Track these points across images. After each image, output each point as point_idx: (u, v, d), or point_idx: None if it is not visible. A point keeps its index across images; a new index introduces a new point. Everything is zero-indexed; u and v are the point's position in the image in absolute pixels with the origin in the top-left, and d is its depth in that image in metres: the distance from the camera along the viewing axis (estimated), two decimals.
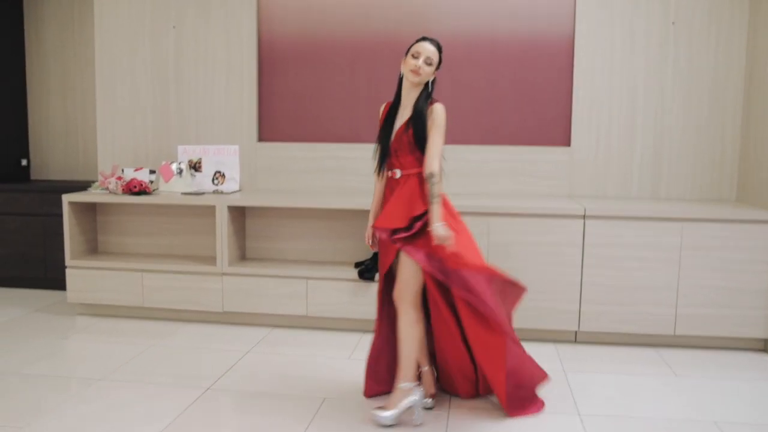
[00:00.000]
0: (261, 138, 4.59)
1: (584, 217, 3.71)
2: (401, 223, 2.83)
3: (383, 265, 2.97)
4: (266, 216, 4.34)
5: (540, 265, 3.76)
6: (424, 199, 2.80)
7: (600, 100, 4.23)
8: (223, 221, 4.03)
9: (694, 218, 3.65)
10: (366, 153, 4.19)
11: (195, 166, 4.52)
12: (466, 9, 4.31)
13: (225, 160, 4.52)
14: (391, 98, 3.01)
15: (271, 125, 4.58)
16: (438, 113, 2.85)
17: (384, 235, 2.85)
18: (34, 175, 5.45)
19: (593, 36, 4.20)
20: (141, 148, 4.68)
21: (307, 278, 3.98)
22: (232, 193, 4.40)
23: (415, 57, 2.85)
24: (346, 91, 4.47)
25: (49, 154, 5.42)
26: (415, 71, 2.82)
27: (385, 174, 2.97)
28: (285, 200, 4.05)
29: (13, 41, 5.24)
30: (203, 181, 4.51)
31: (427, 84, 2.90)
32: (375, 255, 3.89)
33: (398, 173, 2.90)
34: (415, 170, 2.87)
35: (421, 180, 2.85)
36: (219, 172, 4.52)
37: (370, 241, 3.09)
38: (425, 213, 2.79)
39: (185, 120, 4.61)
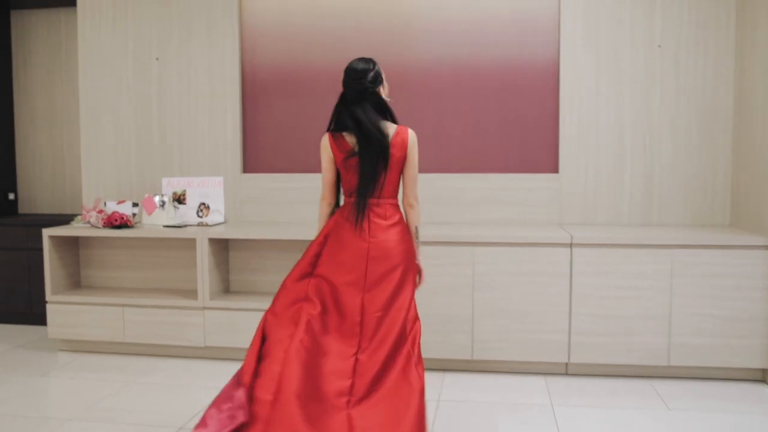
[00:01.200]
0: (246, 169, 4.54)
1: (571, 245, 3.61)
2: None
3: None
4: (250, 248, 4.26)
5: (527, 295, 3.66)
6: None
7: (587, 125, 4.15)
8: (204, 254, 3.96)
9: (685, 244, 3.54)
10: None
11: (179, 198, 4.46)
12: (449, 36, 4.27)
13: (209, 191, 4.46)
14: None
15: (256, 156, 4.53)
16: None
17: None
18: (22, 208, 5.40)
19: (578, 61, 4.14)
20: (125, 181, 4.63)
21: None
22: (217, 225, 4.33)
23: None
24: (329, 120, 4.40)
25: (36, 188, 5.38)
26: None
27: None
28: (268, 232, 3.98)
29: (0, 74, 5.23)
30: (187, 213, 4.44)
31: None
32: None
33: None
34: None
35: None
36: (203, 203, 4.46)
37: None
38: None
39: (169, 151, 4.57)
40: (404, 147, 2.75)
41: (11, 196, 5.32)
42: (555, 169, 4.22)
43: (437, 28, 4.28)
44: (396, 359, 2.55)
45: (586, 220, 4.18)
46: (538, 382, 3.63)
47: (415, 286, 2.77)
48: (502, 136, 4.26)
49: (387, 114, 2.81)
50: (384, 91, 2.84)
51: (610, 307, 3.60)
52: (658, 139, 4.11)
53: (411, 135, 2.78)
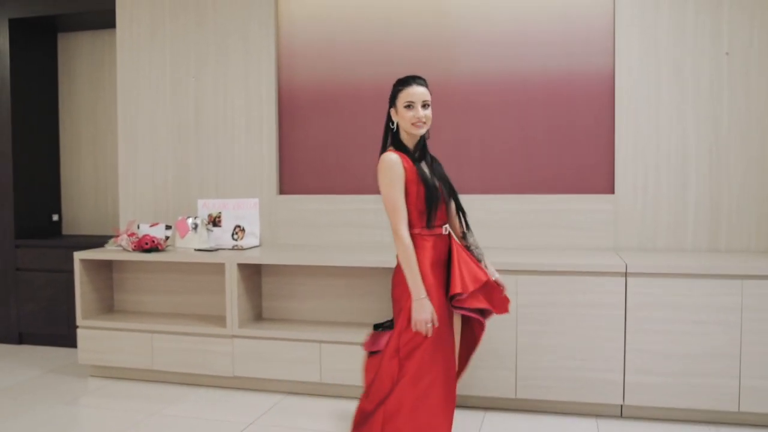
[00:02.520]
0: (282, 190, 4.37)
1: (626, 273, 3.26)
2: (474, 285, 2.64)
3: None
4: (283, 273, 4.07)
5: (577, 329, 3.32)
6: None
7: (646, 141, 3.80)
8: (233, 280, 3.78)
9: (757, 275, 3.14)
10: None
11: (215, 221, 4.33)
12: (495, 47, 4.00)
13: (245, 214, 4.30)
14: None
15: (292, 177, 4.35)
16: None
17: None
18: (66, 230, 5.39)
19: (635, 72, 3.80)
20: (162, 202, 4.53)
21: (321, 342, 3.66)
22: (251, 248, 4.16)
23: (410, 107, 2.61)
24: (369, 140, 4.19)
25: (80, 209, 5.36)
26: (418, 124, 2.62)
27: (438, 231, 2.70)
28: (301, 257, 3.77)
29: (47, 100, 5.26)
30: (222, 236, 4.30)
31: None
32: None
33: (445, 230, 2.73)
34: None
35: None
36: (239, 226, 4.31)
37: (435, 323, 2.57)
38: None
39: (205, 173, 4.45)
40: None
41: (55, 217, 5.31)
42: (610, 189, 3.88)
43: (483, 40, 4.02)
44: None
45: (644, 246, 3.81)
46: (588, 425, 3.28)
47: (403, 323, 2.59)
48: (552, 154, 3.95)
49: (386, 139, 2.75)
50: (395, 115, 2.68)
51: (670, 344, 3.22)
52: (726, 156, 3.71)
53: (379, 163, 2.67)
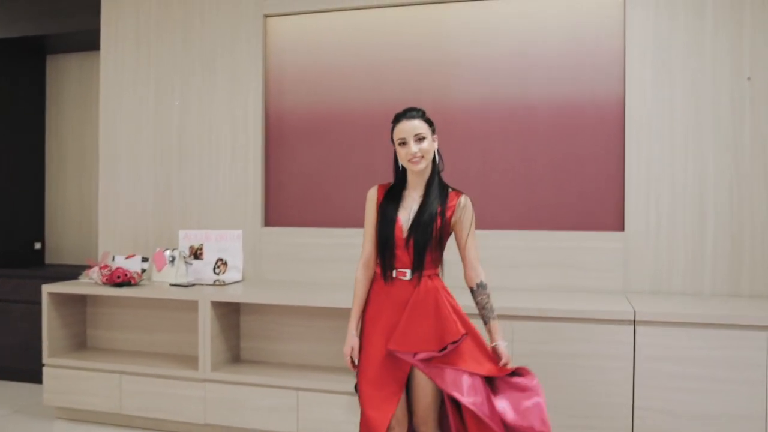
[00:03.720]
0: (267, 222, 4.09)
1: (634, 321, 2.91)
2: (434, 346, 2.38)
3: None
4: (264, 312, 3.76)
5: (579, 383, 2.96)
6: (458, 315, 2.44)
7: (659, 174, 3.46)
8: (206, 319, 3.48)
9: None
10: None
11: (196, 253, 4.06)
12: (496, 73, 3.71)
13: (228, 246, 4.03)
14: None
15: (278, 208, 4.07)
16: (470, 208, 2.51)
17: (410, 359, 2.41)
18: (49, 259, 5.16)
19: (647, 98, 3.48)
20: (141, 233, 4.27)
21: (298, 389, 3.34)
22: (233, 283, 3.88)
23: (403, 143, 2.44)
24: (360, 169, 3.92)
25: (64, 238, 5.13)
26: (414, 160, 2.44)
27: (389, 273, 2.48)
28: (283, 296, 3.47)
29: (34, 123, 5.08)
30: (204, 269, 4.02)
31: (435, 159, 2.50)
32: None
33: (409, 274, 2.45)
34: (433, 272, 2.49)
35: (442, 286, 2.48)
36: (221, 259, 4.03)
37: (355, 359, 2.56)
38: (463, 337, 2.38)
39: (187, 202, 4.19)
40: None
41: (37, 246, 5.08)
42: (620, 226, 3.54)
43: (483, 65, 3.73)
44: None
45: (657, 289, 3.46)
46: None
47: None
48: (557, 187, 3.63)
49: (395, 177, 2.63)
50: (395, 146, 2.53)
51: (685, 403, 2.85)
52: (749, 191, 3.37)
53: None
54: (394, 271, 2.46)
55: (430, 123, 2.50)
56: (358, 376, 2.52)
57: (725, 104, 3.39)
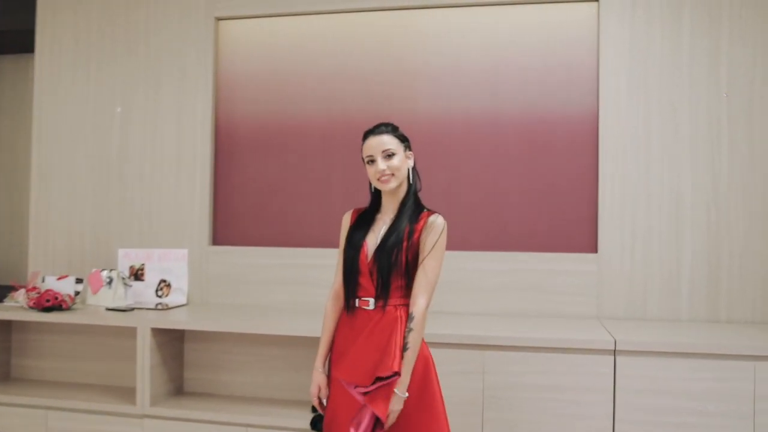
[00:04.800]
0: (215, 241, 3.77)
1: (615, 351, 2.69)
2: (368, 381, 2.11)
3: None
4: (210, 340, 3.44)
5: (555, 417, 2.73)
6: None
7: (635, 193, 3.29)
8: (145, 348, 3.14)
9: None
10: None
11: (137, 274, 3.71)
12: (464, 84, 3.50)
13: (172, 266, 3.70)
14: (366, 199, 2.38)
15: (228, 225, 3.76)
16: (438, 229, 2.20)
17: (351, 390, 2.16)
18: None
19: (622, 114, 3.31)
20: (76, 252, 3.90)
21: (248, 426, 3.02)
22: (177, 307, 3.54)
23: (372, 161, 2.22)
24: (317, 185, 3.65)
25: None
26: (383, 179, 2.23)
27: (352, 303, 2.26)
28: (231, 322, 3.15)
29: None
30: (145, 291, 3.69)
31: (409, 177, 2.28)
32: None
33: (372, 303, 2.22)
34: (401, 302, 2.22)
35: (403, 317, 2.19)
36: (164, 281, 3.70)
37: (323, 399, 2.33)
38: (393, 375, 2.09)
39: (128, 218, 3.84)
40: None
41: None
42: (593, 248, 3.35)
43: (450, 76, 3.52)
44: None
45: (632, 314, 3.27)
46: None
47: None
48: (527, 206, 3.42)
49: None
50: None
51: None
52: (726, 211, 3.22)
53: None
54: (357, 300, 2.24)
55: (402, 139, 2.29)
56: (325, 419, 2.27)
57: (702, 121, 3.24)
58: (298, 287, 3.59)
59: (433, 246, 2.17)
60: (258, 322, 3.12)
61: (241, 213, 3.74)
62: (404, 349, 2.10)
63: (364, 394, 2.11)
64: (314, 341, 3.15)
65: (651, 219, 3.27)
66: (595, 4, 3.38)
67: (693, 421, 2.62)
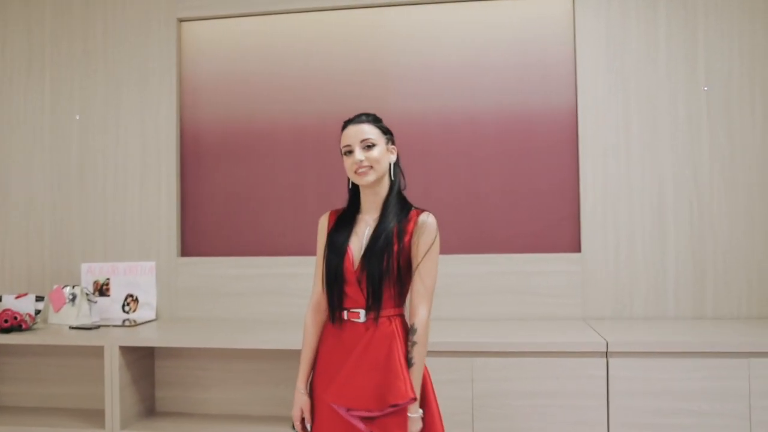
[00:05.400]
0: (183, 252, 3.60)
1: (607, 353, 2.61)
2: (374, 406, 1.91)
3: None
4: (182, 356, 3.27)
5: (548, 424, 2.63)
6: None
7: (617, 190, 3.23)
8: (114, 367, 2.96)
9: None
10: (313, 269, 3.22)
11: (102, 289, 3.53)
12: (439, 83, 3.40)
13: (138, 280, 3.53)
14: (344, 199, 2.19)
15: (196, 236, 3.59)
16: (431, 229, 2.06)
17: (344, 413, 1.96)
18: None
19: (600, 110, 3.25)
20: (36, 268, 3.69)
21: None
22: (146, 323, 3.37)
23: (350, 152, 2.04)
24: (289, 190, 3.51)
25: None
26: (360, 171, 2.04)
27: (339, 315, 2.06)
28: (204, 337, 2.98)
29: None
30: (111, 307, 3.51)
31: (390, 173, 2.10)
32: None
33: (362, 315, 2.03)
34: (394, 312, 2.04)
35: (402, 332, 2.02)
36: (131, 295, 3.52)
37: (307, 424, 2.11)
38: (409, 402, 1.91)
39: (91, 231, 3.65)
40: None
41: None
42: (576, 247, 3.27)
43: (424, 75, 3.41)
44: None
45: (619, 314, 3.20)
46: None
47: None
48: (507, 206, 3.33)
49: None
50: None
51: None
52: (709, 206, 3.17)
53: None
54: (345, 312, 2.05)
55: (384, 130, 2.12)
56: None
57: (682, 116, 3.20)
58: (274, 298, 3.44)
59: (429, 249, 2.02)
60: (232, 336, 2.96)
61: (210, 222, 3.57)
62: (409, 364, 1.95)
63: (366, 419, 1.94)
64: (295, 354, 3.03)
65: (634, 216, 3.21)
66: None
67: (689, 422, 2.55)
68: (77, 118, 3.67)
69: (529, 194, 3.32)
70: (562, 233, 3.29)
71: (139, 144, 3.61)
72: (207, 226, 3.58)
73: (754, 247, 3.13)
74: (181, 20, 3.61)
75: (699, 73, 3.19)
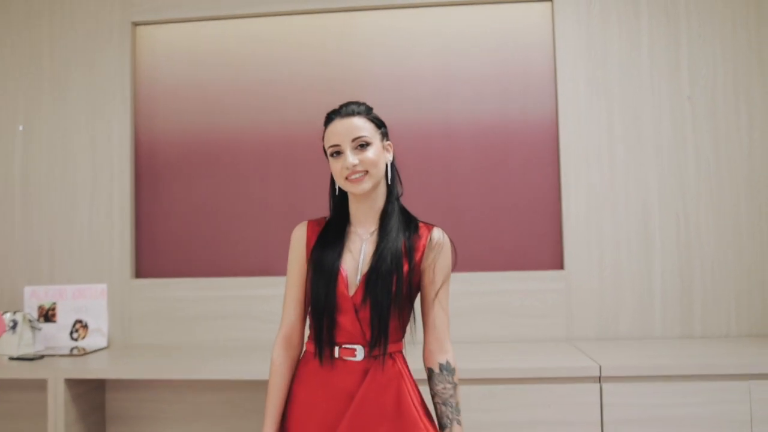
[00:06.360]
0: (138, 273, 3.33)
1: (600, 378, 2.44)
2: None
3: None
4: (136, 388, 3.00)
5: None
6: (430, 419, 1.67)
7: (600, 204, 3.08)
8: (58, 402, 2.67)
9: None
10: (282, 290, 2.99)
11: (47, 315, 3.24)
12: (412, 92, 3.22)
13: (88, 305, 3.24)
14: (315, 214, 1.89)
15: (153, 256, 3.33)
16: (448, 251, 1.76)
17: None
18: None
19: (582, 120, 3.10)
20: None
21: None
22: (96, 351, 3.08)
23: (338, 153, 1.71)
24: (254, 205, 3.28)
25: None
26: (353, 177, 1.69)
27: (328, 352, 1.71)
28: (161, 367, 2.71)
29: None
30: (57, 334, 3.22)
31: (387, 177, 1.75)
32: None
33: (360, 352, 1.68)
34: (396, 347, 1.73)
35: (407, 372, 1.72)
36: (80, 321, 3.24)
37: None
38: None
39: (36, 251, 3.35)
40: None
41: None
42: (559, 264, 3.11)
43: (396, 83, 3.23)
44: None
45: (604, 334, 3.04)
46: None
47: None
48: (485, 222, 3.16)
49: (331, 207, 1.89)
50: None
51: None
52: (696, 219, 3.04)
53: None
54: (337, 349, 1.69)
55: (379, 123, 1.78)
56: None
57: (666, 125, 3.07)
58: (238, 322, 3.19)
59: (448, 272, 1.74)
60: (194, 366, 2.70)
61: (168, 240, 3.31)
62: (458, 411, 1.65)
63: None
64: (263, 385, 2.79)
65: (618, 230, 3.06)
66: (548, 3, 3.17)
67: None
68: (21, 128, 3.38)
69: (509, 209, 3.15)
70: (544, 249, 3.12)
71: (90, 156, 3.33)
72: (164, 245, 3.31)
73: (742, 260, 3.01)
74: (136, 24, 3.36)
75: (683, 80, 3.07)
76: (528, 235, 3.13)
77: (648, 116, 3.08)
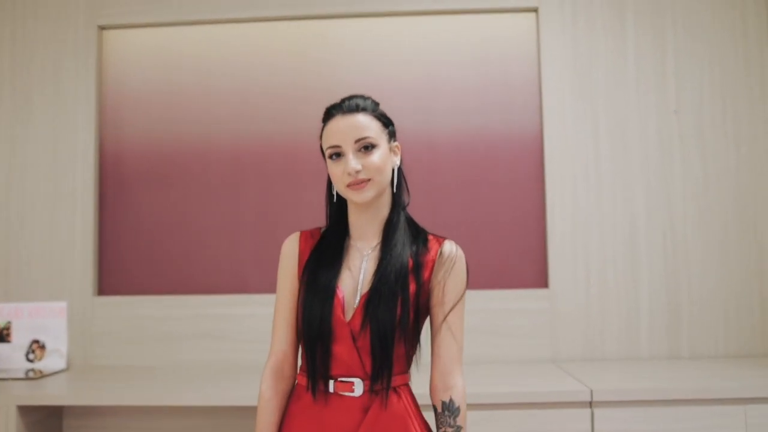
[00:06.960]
0: (101, 290, 3.14)
1: (591, 403, 2.32)
2: None
3: None
4: (98, 415, 2.80)
5: None
6: None
7: (585, 220, 2.99)
8: (9, 431, 2.48)
9: (763, 396, 2.31)
10: (258, 309, 2.84)
11: (1, 334, 3.04)
12: (392, 104, 3.07)
13: (46, 324, 3.05)
14: (291, 228, 1.74)
15: (117, 271, 3.15)
16: (462, 266, 1.55)
17: None
18: None
19: (569, 134, 3.02)
20: None
21: None
22: (54, 374, 2.88)
23: (338, 155, 1.51)
24: (226, 219, 3.12)
25: None
26: (356, 185, 1.48)
27: (321, 387, 1.49)
28: (125, 392, 2.53)
29: None
30: (12, 355, 3.02)
31: (392, 183, 1.58)
32: None
33: (359, 387, 1.46)
34: (401, 380, 1.52)
35: (414, 409, 1.51)
36: (36, 341, 3.04)
37: None
38: None
39: None
40: None
41: None
42: (543, 282, 3.01)
43: (375, 93, 3.09)
44: None
45: (590, 355, 2.94)
46: None
47: None
48: (468, 238, 3.03)
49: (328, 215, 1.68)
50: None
51: None
52: (683, 237, 2.97)
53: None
54: (331, 383, 1.47)
55: (386, 122, 1.58)
56: None
57: (653, 140, 3.00)
58: (208, 343, 3.02)
59: (462, 294, 1.51)
60: (160, 390, 2.52)
61: (133, 256, 3.13)
62: None
63: None
64: (237, 411, 2.63)
65: (605, 248, 2.97)
66: (533, 14, 3.09)
67: None
68: None
69: (492, 225, 3.04)
70: (528, 267, 3.02)
71: (51, 165, 3.15)
72: (129, 260, 3.13)
73: (731, 279, 2.94)
74: (102, 28, 3.20)
75: (669, 94, 3.00)
76: (511, 252, 3.02)
77: (634, 131, 3.00)
